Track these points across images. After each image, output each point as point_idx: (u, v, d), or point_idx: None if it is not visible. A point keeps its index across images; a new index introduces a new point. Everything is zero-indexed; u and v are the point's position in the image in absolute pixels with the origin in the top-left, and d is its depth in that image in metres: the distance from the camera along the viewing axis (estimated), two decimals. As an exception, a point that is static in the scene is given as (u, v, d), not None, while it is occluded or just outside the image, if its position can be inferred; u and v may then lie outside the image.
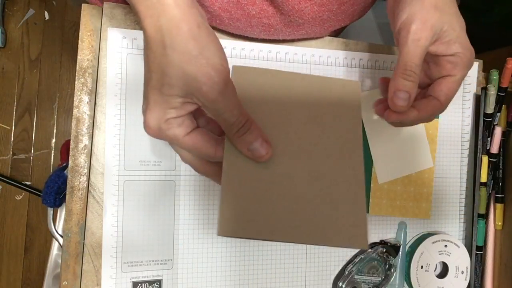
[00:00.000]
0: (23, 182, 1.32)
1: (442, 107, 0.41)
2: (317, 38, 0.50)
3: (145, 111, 0.34)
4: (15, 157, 1.33)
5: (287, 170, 0.37)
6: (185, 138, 0.34)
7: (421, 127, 0.53)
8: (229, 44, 0.48)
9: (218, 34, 0.47)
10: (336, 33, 0.54)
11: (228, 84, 0.33)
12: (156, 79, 0.32)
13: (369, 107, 0.49)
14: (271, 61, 0.49)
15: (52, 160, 1.36)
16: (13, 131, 1.33)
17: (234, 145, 0.36)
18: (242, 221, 0.35)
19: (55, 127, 1.36)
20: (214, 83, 0.32)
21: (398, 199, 0.53)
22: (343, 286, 0.49)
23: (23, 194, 1.33)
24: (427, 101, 0.41)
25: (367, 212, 0.51)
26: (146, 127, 0.34)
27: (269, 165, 0.37)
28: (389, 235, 0.53)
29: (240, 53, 0.48)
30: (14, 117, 1.34)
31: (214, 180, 0.38)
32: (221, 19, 0.44)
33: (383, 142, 0.52)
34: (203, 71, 0.31)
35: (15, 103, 1.34)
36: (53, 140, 1.36)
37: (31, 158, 1.34)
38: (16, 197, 1.33)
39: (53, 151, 1.36)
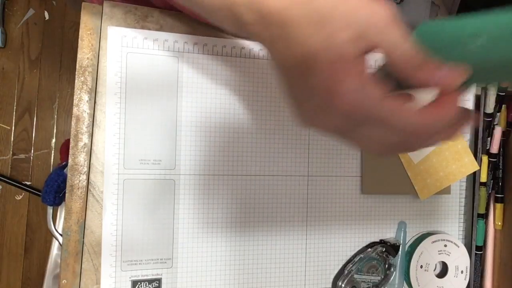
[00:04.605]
0: (23, 182, 1.32)
1: None
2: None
3: None
4: (15, 157, 1.33)
5: None
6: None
7: None
8: (229, 43, 0.48)
9: (218, 33, 0.47)
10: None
11: None
12: None
13: None
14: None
15: (52, 160, 1.36)
16: (13, 131, 1.33)
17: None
18: None
19: (55, 127, 1.36)
20: None
21: (440, 170, 0.51)
22: (343, 285, 0.49)
23: (23, 194, 1.33)
24: None
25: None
26: None
27: None
28: (389, 234, 0.53)
29: (240, 52, 0.48)
30: (14, 117, 1.34)
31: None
32: None
33: None
34: None
35: (15, 103, 1.34)
36: (53, 140, 1.36)
37: (31, 158, 1.34)
38: (16, 197, 1.33)
39: (53, 151, 1.36)
